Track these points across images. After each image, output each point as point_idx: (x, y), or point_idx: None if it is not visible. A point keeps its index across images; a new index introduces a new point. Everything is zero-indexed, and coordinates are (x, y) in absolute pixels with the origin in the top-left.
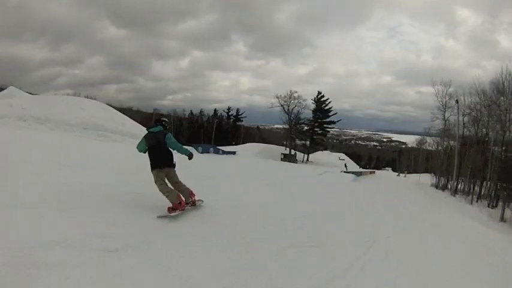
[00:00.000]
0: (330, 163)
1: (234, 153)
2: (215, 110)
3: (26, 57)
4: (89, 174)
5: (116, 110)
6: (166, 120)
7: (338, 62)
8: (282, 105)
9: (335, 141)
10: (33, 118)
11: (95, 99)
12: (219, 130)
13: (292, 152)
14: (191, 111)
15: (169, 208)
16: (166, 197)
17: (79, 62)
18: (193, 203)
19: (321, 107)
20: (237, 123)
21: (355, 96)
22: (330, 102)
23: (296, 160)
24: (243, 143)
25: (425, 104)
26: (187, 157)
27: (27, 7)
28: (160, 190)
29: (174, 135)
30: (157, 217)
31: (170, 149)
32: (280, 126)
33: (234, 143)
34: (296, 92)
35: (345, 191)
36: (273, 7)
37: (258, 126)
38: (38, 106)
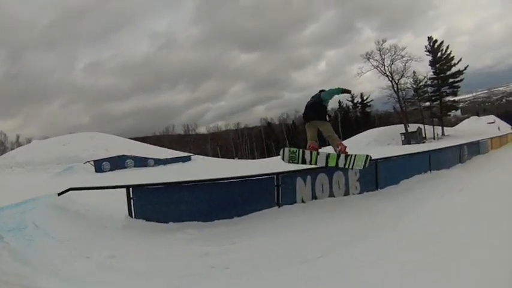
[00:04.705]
0: (475, 132)
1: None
2: (339, 101)
3: (169, 103)
4: None
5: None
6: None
7: (463, 16)
8: (375, 67)
9: (486, 104)
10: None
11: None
12: (347, 122)
13: (413, 128)
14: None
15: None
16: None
17: (222, 93)
18: (340, 152)
19: (437, 56)
20: (366, 109)
21: (495, 49)
22: (448, 47)
23: (423, 138)
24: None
25: None
26: (346, 94)
27: (152, 63)
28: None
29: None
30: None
31: (324, 105)
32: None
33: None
34: (385, 40)
35: None
36: None
37: (394, 108)
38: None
